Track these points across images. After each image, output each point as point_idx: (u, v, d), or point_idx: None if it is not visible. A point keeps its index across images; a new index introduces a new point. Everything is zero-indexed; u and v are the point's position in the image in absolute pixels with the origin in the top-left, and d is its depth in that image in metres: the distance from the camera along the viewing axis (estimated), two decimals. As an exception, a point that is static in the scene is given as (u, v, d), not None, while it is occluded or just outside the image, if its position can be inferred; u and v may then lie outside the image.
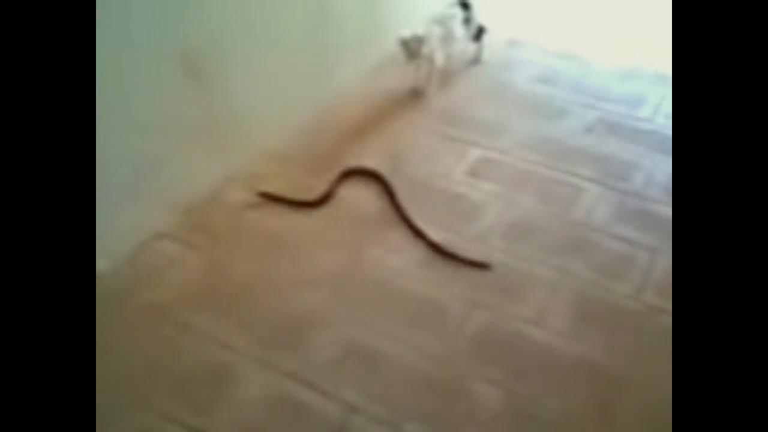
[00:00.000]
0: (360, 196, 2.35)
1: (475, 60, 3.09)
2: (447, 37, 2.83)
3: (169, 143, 2.14)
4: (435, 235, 2.16)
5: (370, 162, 2.46)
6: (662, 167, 2.48)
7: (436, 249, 2.13)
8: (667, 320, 1.91)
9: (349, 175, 2.42)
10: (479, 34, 3.00)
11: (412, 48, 2.66)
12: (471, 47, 3.05)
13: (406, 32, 2.66)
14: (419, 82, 2.84)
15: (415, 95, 2.85)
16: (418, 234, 2.18)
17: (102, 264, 1.99)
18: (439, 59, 2.81)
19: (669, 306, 1.95)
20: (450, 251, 2.12)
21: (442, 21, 2.82)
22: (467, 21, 2.91)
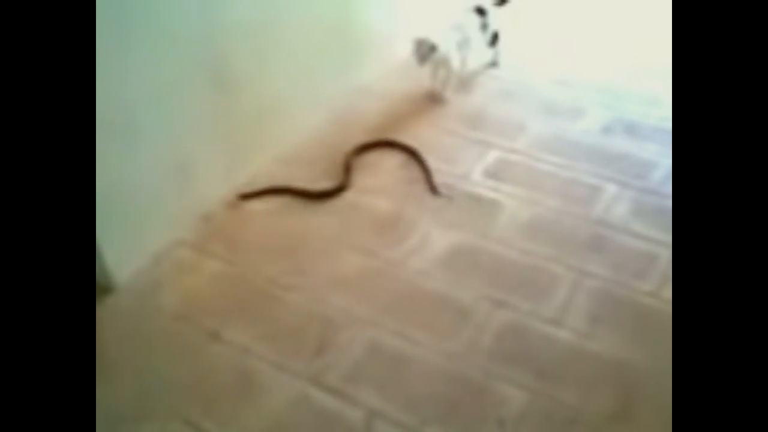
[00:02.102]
0: (373, 195, 2.38)
1: (492, 63, 3.10)
2: (464, 43, 2.88)
3: (189, 152, 2.17)
4: (455, 236, 2.19)
5: (388, 163, 2.50)
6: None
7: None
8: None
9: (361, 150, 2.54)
10: (495, 38, 3.02)
11: (422, 52, 2.69)
12: (488, 52, 3.06)
13: (420, 35, 2.69)
14: (436, 86, 2.87)
15: (432, 99, 2.87)
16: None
17: (122, 274, 2.02)
18: (456, 64, 2.84)
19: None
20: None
21: (459, 27, 2.87)
22: (484, 26, 2.94)
